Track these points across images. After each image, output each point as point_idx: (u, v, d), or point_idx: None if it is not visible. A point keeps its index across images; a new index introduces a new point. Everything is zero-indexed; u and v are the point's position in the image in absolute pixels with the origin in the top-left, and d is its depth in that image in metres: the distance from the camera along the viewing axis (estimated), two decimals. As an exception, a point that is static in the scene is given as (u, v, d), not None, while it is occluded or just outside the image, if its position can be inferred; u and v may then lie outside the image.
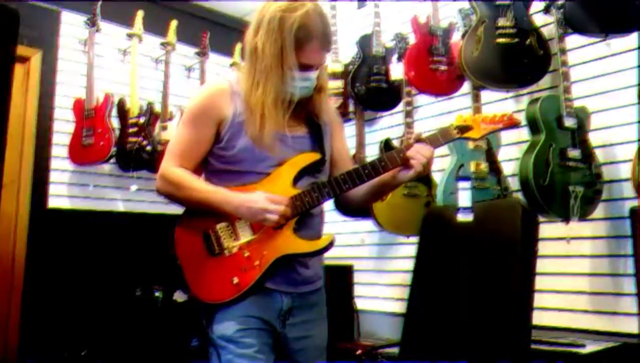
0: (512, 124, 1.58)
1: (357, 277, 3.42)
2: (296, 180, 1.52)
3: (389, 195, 2.87)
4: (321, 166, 1.58)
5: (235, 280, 1.47)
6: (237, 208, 1.46)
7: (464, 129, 1.53)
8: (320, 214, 1.60)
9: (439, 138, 1.53)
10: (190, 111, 1.56)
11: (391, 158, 1.50)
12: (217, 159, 1.55)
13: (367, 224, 3.28)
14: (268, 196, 1.45)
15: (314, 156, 1.55)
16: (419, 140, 1.53)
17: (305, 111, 1.57)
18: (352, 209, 1.78)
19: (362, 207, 1.76)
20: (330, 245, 1.50)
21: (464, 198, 2.29)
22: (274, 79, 1.45)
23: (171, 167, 1.53)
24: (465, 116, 1.56)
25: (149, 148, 3.40)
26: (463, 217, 2.24)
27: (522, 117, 2.52)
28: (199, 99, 1.57)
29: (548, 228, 2.48)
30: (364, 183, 1.52)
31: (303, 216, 1.51)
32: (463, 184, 2.35)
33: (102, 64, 3.67)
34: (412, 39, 3.08)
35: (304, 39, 1.42)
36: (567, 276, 2.55)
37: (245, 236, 1.50)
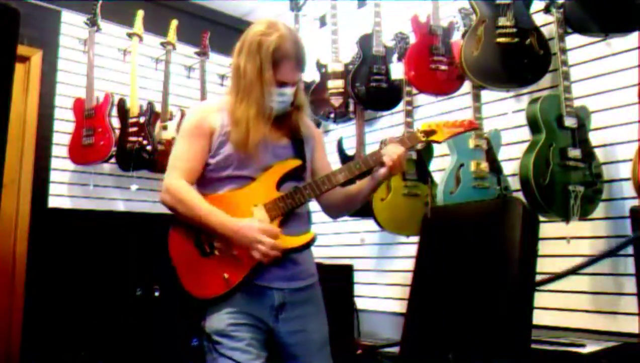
0: (472, 128, 1.82)
1: (357, 277, 3.41)
2: (280, 184, 1.65)
3: (389, 195, 2.89)
4: (302, 172, 1.72)
5: (226, 276, 1.58)
6: (236, 233, 1.56)
7: (429, 133, 1.75)
8: (305, 213, 1.73)
9: (406, 141, 1.73)
10: (186, 127, 1.70)
11: (364, 160, 1.68)
12: (207, 167, 1.66)
13: (367, 224, 3.28)
14: (262, 227, 1.56)
15: (296, 163, 1.69)
16: (389, 142, 1.73)
17: (287, 125, 1.73)
18: (336, 213, 1.87)
19: (346, 211, 1.89)
20: (311, 241, 1.64)
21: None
22: (255, 95, 1.61)
23: (175, 180, 1.63)
24: (429, 122, 1.78)
25: (149, 147, 3.40)
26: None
27: (522, 117, 2.54)
28: (191, 116, 1.72)
29: (548, 228, 2.48)
30: (340, 183, 1.67)
31: (288, 216, 1.64)
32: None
33: (102, 64, 3.68)
34: (412, 39, 3.08)
35: (280, 59, 1.60)
36: (567, 276, 2.55)
37: None
